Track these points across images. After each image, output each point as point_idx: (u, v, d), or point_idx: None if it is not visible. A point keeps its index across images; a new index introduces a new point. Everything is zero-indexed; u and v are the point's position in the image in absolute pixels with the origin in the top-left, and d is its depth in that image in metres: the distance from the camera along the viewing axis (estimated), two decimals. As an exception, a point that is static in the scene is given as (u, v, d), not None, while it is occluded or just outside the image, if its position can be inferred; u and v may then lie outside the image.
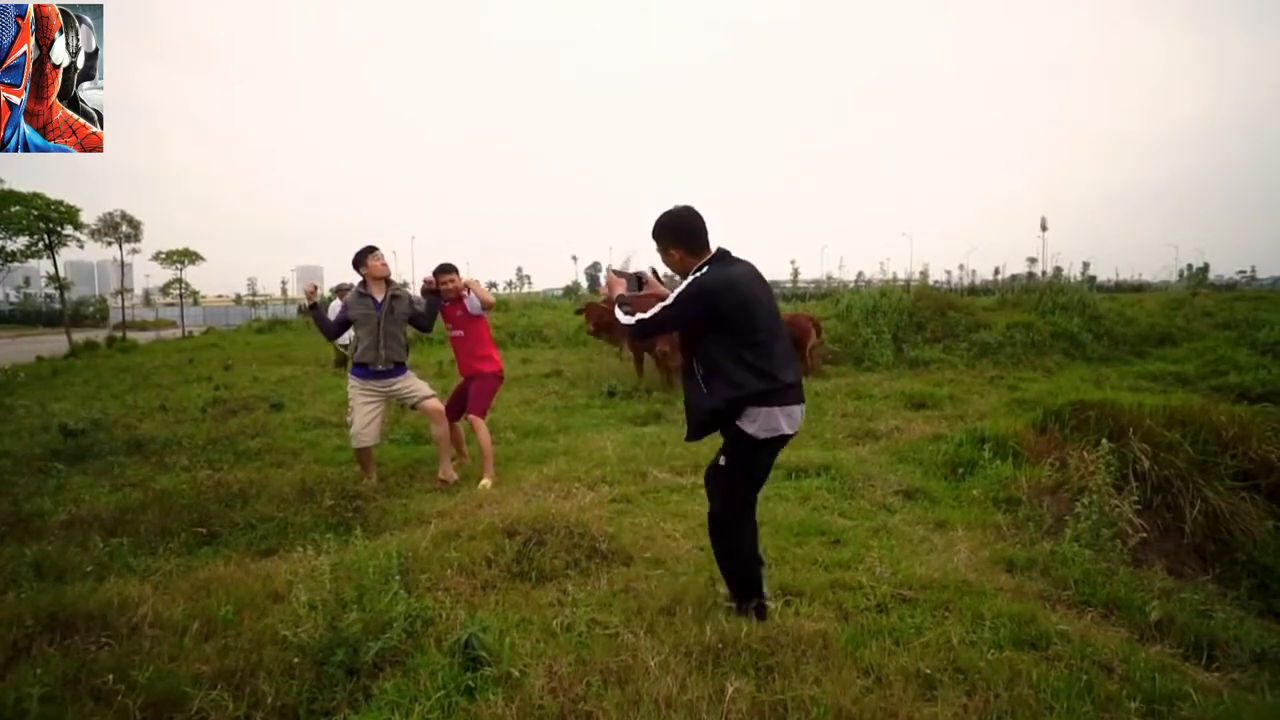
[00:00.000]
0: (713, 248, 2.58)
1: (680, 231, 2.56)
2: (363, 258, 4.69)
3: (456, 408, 5.11)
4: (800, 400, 2.54)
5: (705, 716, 2.02)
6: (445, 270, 4.96)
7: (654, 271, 2.95)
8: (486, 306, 4.99)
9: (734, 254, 2.60)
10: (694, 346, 2.54)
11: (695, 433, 2.59)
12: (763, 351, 2.44)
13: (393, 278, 4.90)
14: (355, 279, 4.93)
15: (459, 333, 5.01)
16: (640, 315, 2.54)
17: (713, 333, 2.46)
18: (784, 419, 2.46)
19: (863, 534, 3.67)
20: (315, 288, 4.75)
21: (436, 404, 4.80)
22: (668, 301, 2.48)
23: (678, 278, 2.61)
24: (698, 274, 2.50)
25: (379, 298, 4.68)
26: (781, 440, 2.52)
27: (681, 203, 2.61)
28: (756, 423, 2.43)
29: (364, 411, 4.66)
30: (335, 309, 5.42)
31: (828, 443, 5.90)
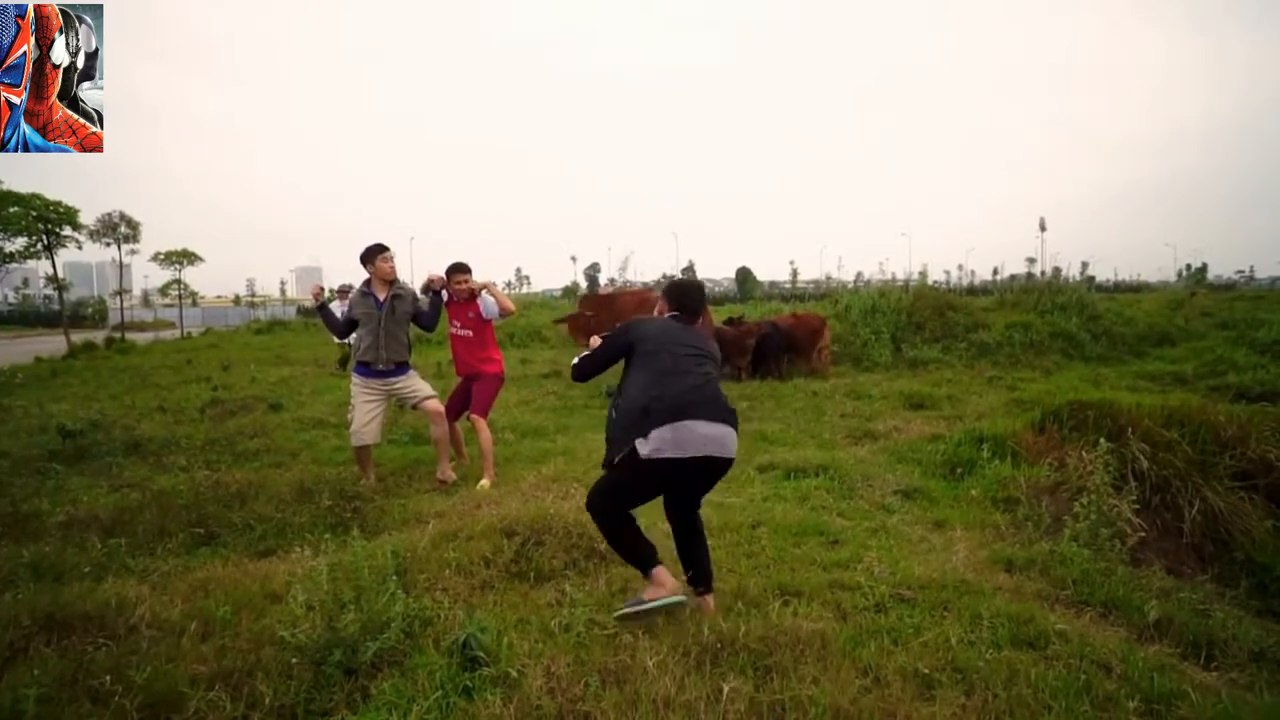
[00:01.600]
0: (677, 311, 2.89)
1: (671, 292, 2.97)
2: (371, 256, 4.69)
3: (456, 408, 5.09)
4: (706, 417, 2.51)
5: (703, 716, 2.01)
6: (458, 270, 4.92)
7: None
8: (505, 313, 4.95)
9: (684, 319, 2.88)
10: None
11: (609, 457, 2.71)
12: (664, 379, 2.58)
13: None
14: (356, 279, 4.94)
15: (466, 333, 4.98)
16: (581, 356, 2.86)
17: (628, 368, 2.72)
18: (672, 436, 2.45)
19: (861, 534, 3.67)
20: (322, 288, 4.92)
21: (437, 404, 4.79)
22: (600, 344, 2.83)
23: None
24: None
25: (381, 297, 4.68)
26: (676, 466, 2.49)
27: (692, 277, 2.93)
28: (648, 445, 2.47)
29: (364, 410, 4.66)
30: (337, 308, 5.42)
31: (826, 443, 5.90)
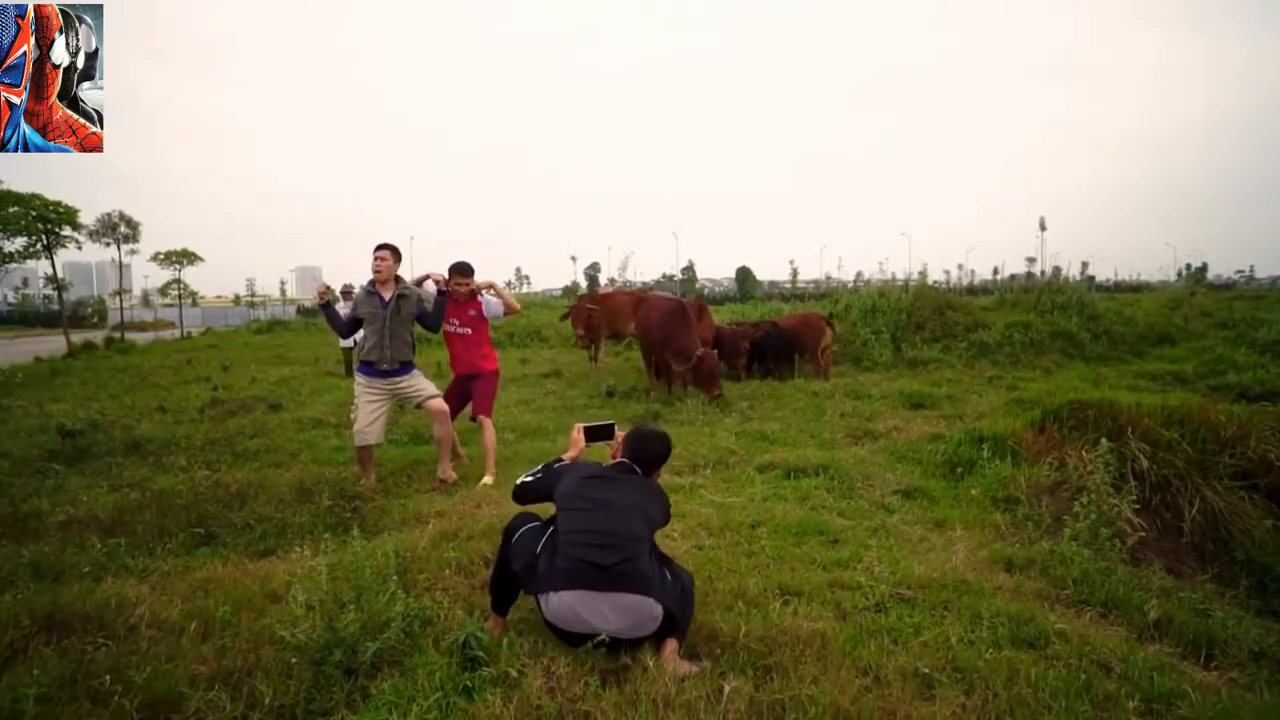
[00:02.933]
0: (631, 458, 2.67)
1: (631, 438, 2.72)
2: (373, 254, 4.72)
3: (453, 407, 5.10)
4: (599, 588, 2.23)
5: (703, 716, 2.01)
6: (461, 271, 4.93)
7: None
8: (510, 312, 4.97)
9: (634, 469, 2.64)
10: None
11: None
12: (567, 538, 2.34)
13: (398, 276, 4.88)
14: (355, 278, 4.95)
15: (465, 331, 5.01)
16: (525, 479, 2.70)
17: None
18: (560, 606, 2.26)
19: (861, 533, 3.67)
20: (328, 287, 4.98)
21: (441, 404, 4.80)
22: (541, 473, 2.68)
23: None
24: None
25: (386, 297, 4.68)
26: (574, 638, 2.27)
27: (659, 431, 2.79)
28: (546, 607, 2.31)
29: (368, 410, 4.66)
30: (340, 309, 5.45)
31: (826, 442, 5.90)
